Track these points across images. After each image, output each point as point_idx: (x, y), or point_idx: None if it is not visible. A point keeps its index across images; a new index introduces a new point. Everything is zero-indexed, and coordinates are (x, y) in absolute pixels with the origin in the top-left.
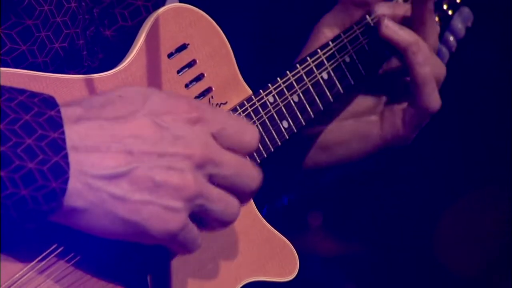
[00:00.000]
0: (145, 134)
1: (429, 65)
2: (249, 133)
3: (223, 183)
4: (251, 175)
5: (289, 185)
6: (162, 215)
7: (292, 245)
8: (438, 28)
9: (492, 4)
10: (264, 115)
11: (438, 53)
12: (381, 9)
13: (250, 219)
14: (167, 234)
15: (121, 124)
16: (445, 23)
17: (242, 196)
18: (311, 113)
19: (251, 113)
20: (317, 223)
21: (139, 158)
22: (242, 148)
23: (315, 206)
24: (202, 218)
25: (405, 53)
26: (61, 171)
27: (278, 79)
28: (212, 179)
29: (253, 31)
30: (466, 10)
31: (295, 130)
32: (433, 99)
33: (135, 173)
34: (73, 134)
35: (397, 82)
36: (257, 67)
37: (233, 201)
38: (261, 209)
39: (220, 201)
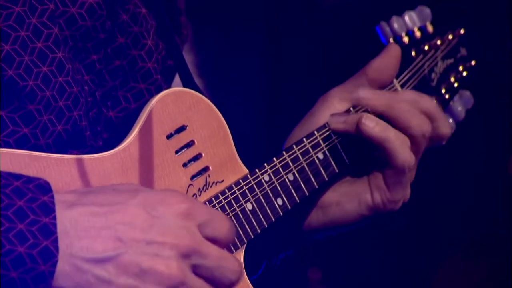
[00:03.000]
0: (136, 222)
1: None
2: (229, 226)
3: (205, 274)
4: (232, 268)
5: (285, 243)
6: None
7: None
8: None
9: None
10: (259, 193)
11: None
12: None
13: None
14: None
15: (113, 211)
16: (443, 105)
17: (222, 286)
18: (305, 191)
19: (246, 190)
20: (316, 277)
21: (127, 244)
22: (224, 240)
23: (314, 261)
24: None
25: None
26: (51, 255)
27: (274, 159)
28: (196, 270)
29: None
30: (467, 94)
31: (289, 207)
32: (404, 156)
33: (123, 258)
34: (65, 218)
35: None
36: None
37: None
38: (260, 266)
39: None
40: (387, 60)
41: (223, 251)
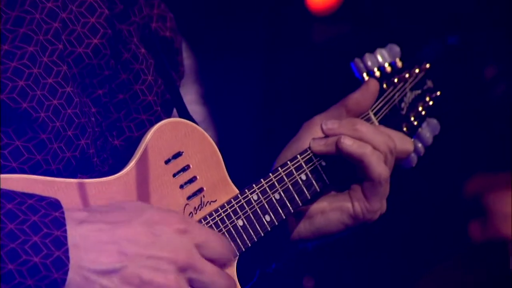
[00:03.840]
0: (139, 239)
1: (361, 145)
2: (225, 246)
3: None
4: (225, 285)
5: (277, 253)
6: None
7: None
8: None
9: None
10: (248, 211)
11: (407, 158)
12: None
13: None
14: None
15: (119, 228)
16: (412, 131)
17: None
18: (290, 208)
19: (237, 209)
20: (310, 285)
21: (130, 258)
22: (221, 259)
23: (308, 269)
24: None
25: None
26: (62, 264)
27: (262, 180)
28: (191, 283)
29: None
30: (434, 122)
31: (276, 223)
32: (380, 170)
33: (126, 271)
34: (76, 233)
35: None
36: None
37: None
38: (253, 275)
39: None
40: (365, 94)
41: (218, 268)
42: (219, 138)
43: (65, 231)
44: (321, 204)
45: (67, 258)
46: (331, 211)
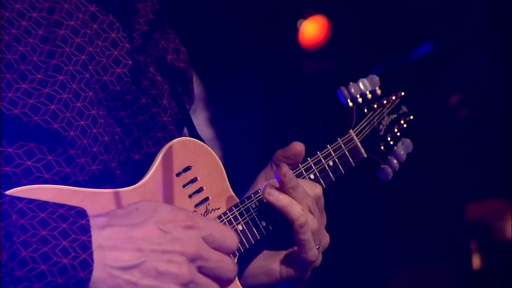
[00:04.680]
0: (152, 237)
1: (309, 232)
2: (230, 238)
3: (209, 273)
4: (229, 268)
5: None
6: None
7: None
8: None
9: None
10: (247, 217)
11: (383, 172)
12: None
13: None
14: None
15: (135, 229)
16: (389, 149)
17: (222, 282)
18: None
19: (237, 215)
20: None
21: (147, 254)
22: (225, 248)
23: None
24: None
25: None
26: (87, 265)
27: (259, 190)
28: (201, 270)
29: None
30: (408, 141)
31: (271, 228)
32: (310, 254)
33: (144, 265)
34: (99, 236)
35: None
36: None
37: (216, 286)
38: None
39: (207, 285)
40: (289, 152)
41: (222, 255)
42: (224, 155)
43: (90, 236)
44: (254, 267)
45: (92, 259)
46: (259, 275)
